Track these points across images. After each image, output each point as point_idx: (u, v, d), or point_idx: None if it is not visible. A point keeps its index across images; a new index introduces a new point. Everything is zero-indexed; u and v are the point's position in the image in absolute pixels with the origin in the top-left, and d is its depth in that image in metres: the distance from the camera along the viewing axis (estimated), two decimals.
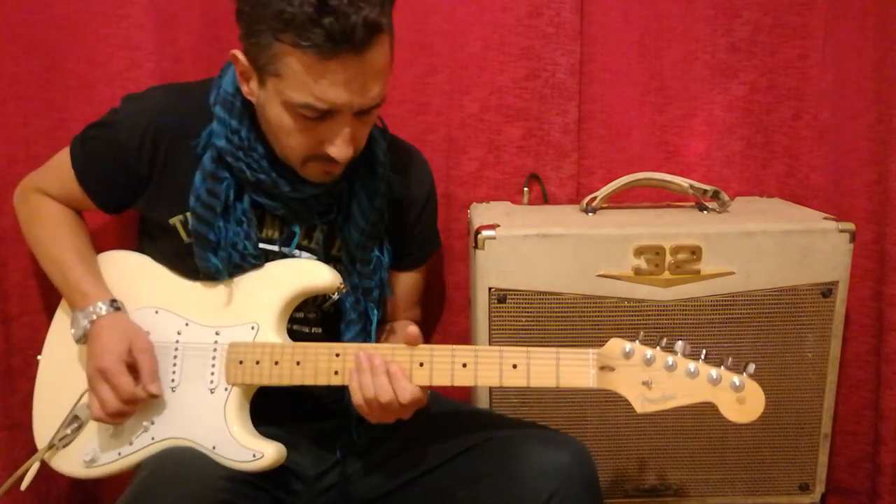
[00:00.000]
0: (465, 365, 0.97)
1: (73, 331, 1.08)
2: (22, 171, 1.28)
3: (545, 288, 1.22)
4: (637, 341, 0.94)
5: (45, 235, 1.17)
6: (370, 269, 1.13)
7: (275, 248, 1.11)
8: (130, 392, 1.01)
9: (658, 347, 0.93)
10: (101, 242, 1.22)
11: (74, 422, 1.06)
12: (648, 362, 0.93)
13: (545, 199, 1.46)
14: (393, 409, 0.96)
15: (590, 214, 1.33)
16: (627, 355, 0.93)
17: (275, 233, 1.11)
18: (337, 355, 0.99)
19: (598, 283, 1.22)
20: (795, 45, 1.42)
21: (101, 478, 1.07)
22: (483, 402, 1.28)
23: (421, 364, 0.97)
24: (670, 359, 0.92)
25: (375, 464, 1.12)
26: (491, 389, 1.27)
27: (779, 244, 1.22)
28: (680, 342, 0.93)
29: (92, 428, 1.07)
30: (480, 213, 1.33)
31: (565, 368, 0.95)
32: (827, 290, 1.24)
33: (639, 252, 1.21)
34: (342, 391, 1.02)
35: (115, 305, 1.08)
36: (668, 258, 1.21)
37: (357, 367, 0.97)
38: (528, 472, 0.99)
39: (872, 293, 1.37)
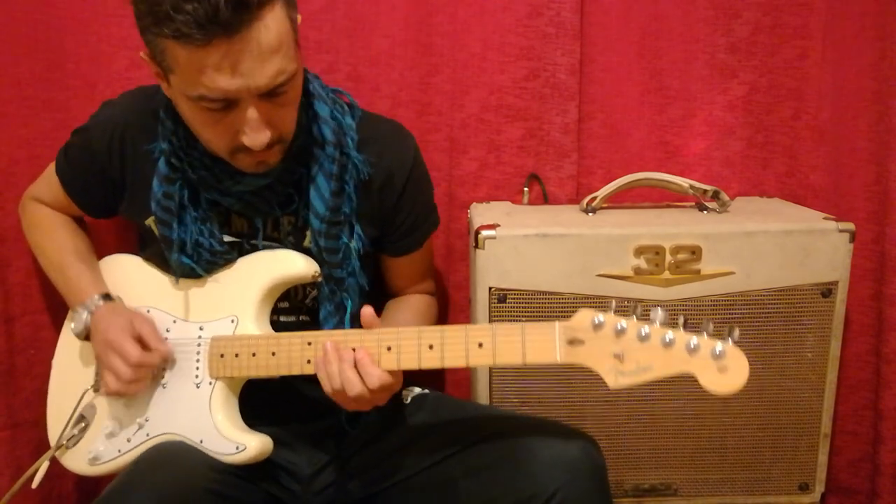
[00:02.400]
0: (431, 346, 0.94)
1: (72, 325, 1.10)
2: (23, 172, 1.29)
3: (545, 288, 1.22)
4: (611, 311, 0.88)
5: (44, 240, 1.21)
6: (339, 258, 1.09)
7: (243, 241, 1.11)
8: (139, 357, 1.01)
9: (633, 317, 0.87)
10: (103, 249, 1.23)
11: (81, 421, 1.10)
12: (620, 333, 0.87)
13: (545, 199, 1.46)
14: (364, 398, 0.95)
15: (590, 214, 1.33)
16: (597, 327, 0.88)
17: (243, 228, 1.11)
18: (309, 344, 0.99)
19: (598, 283, 1.22)
20: (795, 45, 1.42)
21: (105, 475, 1.08)
22: (483, 402, 1.28)
23: (388, 348, 0.95)
24: (644, 328, 0.86)
25: (375, 461, 1.12)
26: (491, 390, 1.27)
27: (779, 244, 1.22)
28: (658, 309, 0.86)
29: (96, 427, 1.09)
30: (480, 213, 1.33)
31: (531, 344, 0.91)
32: (827, 290, 1.24)
33: (639, 252, 1.21)
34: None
35: (111, 297, 1.11)
36: (668, 258, 1.22)
37: (323, 356, 0.96)
38: (535, 465, 0.98)
39: (872, 293, 1.37)
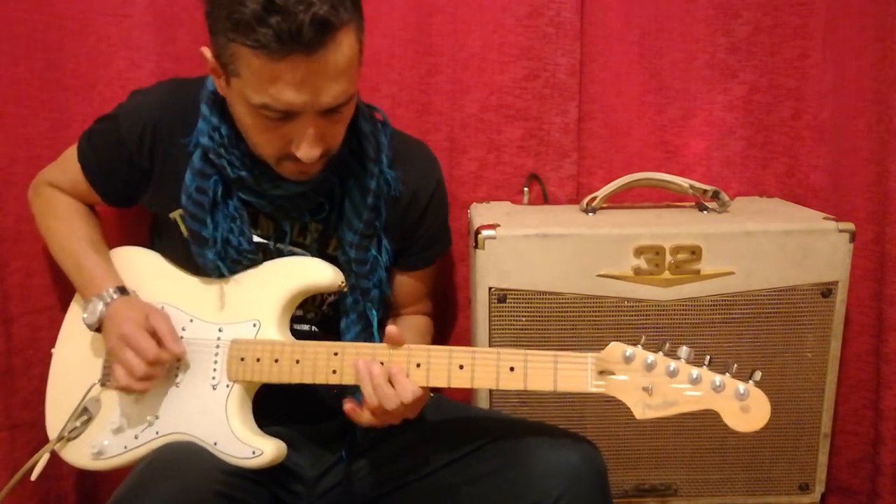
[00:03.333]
0: (461, 367, 0.96)
1: (85, 316, 1.09)
2: (22, 172, 1.29)
3: (545, 288, 1.22)
4: (639, 346, 0.92)
5: (58, 226, 1.19)
6: (367, 269, 1.11)
7: (269, 243, 1.11)
8: (154, 353, 1.01)
9: (660, 352, 0.91)
10: (111, 239, 1.22)
11: (84, 414, 1.09)
12: (649, 367, 0.90)
13: (545, 199, 1.46)
14: (398, 412, 0.96)
15: (590, 214, 1.33)
16: (628, 360, 0.91)
17: (269, 231, 1.11)
18: (335, 354, 0.99)
19: (598, 283, 1.22)
20: (795, 45, 1.42)
21: (106, 470, 1.08)
22: (483, 402, 1.28)
23: (418, 365, 0.97)
24: (672, 364, 0.90)
25: (379, 464, 1.12)
26: (491, 389, 1.27)
27: (779, 244, 1.22)
28: (684, 347, 0.91)
29: (100, 421, 1.09)
30: (480, 213, 1.33)
31: (563, 373, 0.93)
32: (827, 290, 1.24)
33: (639, 252, 1.21)
34: (345, 393, 1.02)
35: (126, 291, 1.10)
36: (668, 258, 1.22)
37: (357, 377, 0.97)
38: (536, 472, 0.98)
39: (872, 293, 1.37)
